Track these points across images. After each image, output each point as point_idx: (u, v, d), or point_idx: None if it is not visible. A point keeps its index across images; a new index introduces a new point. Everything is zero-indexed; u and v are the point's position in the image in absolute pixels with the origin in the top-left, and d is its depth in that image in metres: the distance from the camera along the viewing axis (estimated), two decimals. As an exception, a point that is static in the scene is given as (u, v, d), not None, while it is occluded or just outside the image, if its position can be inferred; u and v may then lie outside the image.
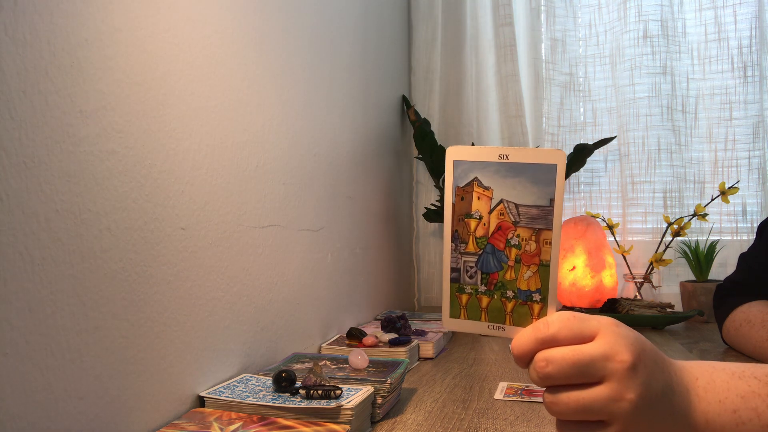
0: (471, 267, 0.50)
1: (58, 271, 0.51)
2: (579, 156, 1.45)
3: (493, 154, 0.47)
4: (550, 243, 0.47)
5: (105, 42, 0.56)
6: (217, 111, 0.75)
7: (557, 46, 1.64)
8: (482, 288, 0.49)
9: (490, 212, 0.48)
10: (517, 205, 0.47)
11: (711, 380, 0.48)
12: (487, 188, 0.48)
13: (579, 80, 1.64)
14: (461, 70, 1.64)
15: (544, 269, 0.47)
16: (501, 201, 0.48)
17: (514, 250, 0.48)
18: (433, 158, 1.50)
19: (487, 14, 1.65)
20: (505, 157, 0.47)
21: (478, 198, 0.48)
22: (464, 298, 0.50)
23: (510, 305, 0.49)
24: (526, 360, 0.46)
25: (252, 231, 0.82)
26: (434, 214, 1.52)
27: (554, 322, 0.45)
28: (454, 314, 0.51)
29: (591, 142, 1.48)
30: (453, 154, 0.49)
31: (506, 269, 0.48)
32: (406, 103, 1.60)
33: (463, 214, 0.49)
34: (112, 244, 0.57)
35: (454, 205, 0.49)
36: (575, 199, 1.65)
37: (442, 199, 1.53)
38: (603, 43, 1.62)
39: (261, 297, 0.84)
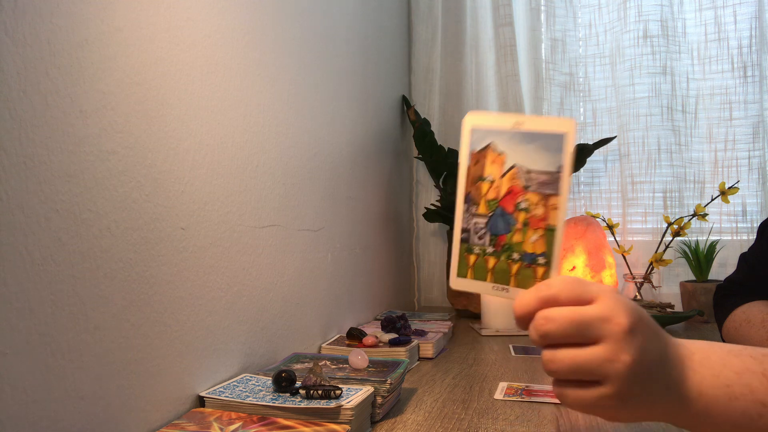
0: (481, 228, 0.51)
1: (58, 271, 0.51)
2: (579, 156, 1.46)
3: (508, 122, 0.49)
4: (557, 208, 0.48)
5: (105, 42, 0.56)
6: (217, 111, 0.75)
7: (557, 46, 1.64)
8: (490, 249, 0.51)
9: (502, 176, 0.50)
10: (528, 171, 0.49)
11: (707, 356, 0.49)
12: (500, 153, 0.50)
13: (579, 80, 1.64)
14: (461, 70, 1.64)
15: (550, 233, 0.48)
16: (513, 166, 0.49)
17: (522, 214, 0.49)
18: (433, 158, 1.50)
19: (487, 14, 1.65)
20: (520, 124, 0.49)
21: (492, 162, 0.50)
22: (472, 258, 0.51)
23: (515, 267, 0.50)
24: (526, 320, 0.47)
25: (252, 231, 0.82)
26: (434, 214, 1.52)
27: (556, 283, 0.46)
28: (461, 273, 0.52)
29: (591, 142, 1.48)
30: (471, 121, 0.51)
31: (514, 232, 0.50)
32: (406, 103, 1.60)
33: (476, 177, 0.51)
34: (112, 244, 0.57)
35: (468, 167, 0.51)
36: (575, 199, 1.65)
37: (442, 199, 1.53)
38: (603, 43, 1.62)
39: (261, 297, 0.84)
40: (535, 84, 1.63)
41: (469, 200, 0.51)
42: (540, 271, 0.49)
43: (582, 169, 1.59)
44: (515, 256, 0.49)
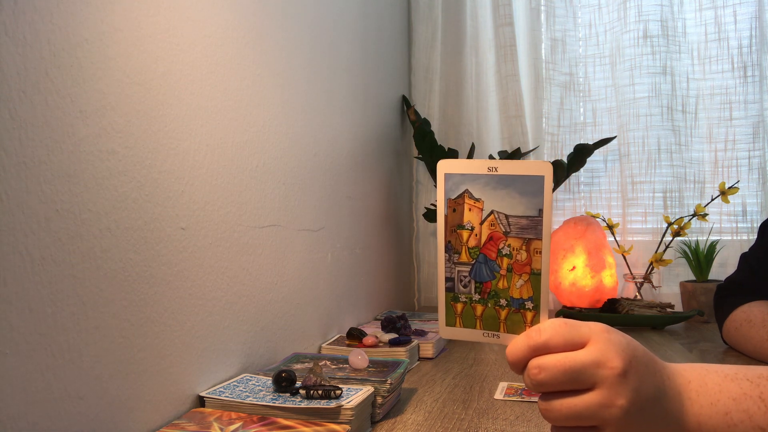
0: (465, 276, 0.51)
1: (58, 271, 0.51)
2: (579, 156, 1.45)
3: (482, 167, 0.49)
4: (541, 252, 0.48)
5: (105, 42, 0.56)
6: (217, 111, 0.75)
7: (557, 46, 1.63)
8: (476, 297, 0.51)
9: (482, 223, 0.50)
10: (507, 216, 0.49)
11: (703, 383, 0.48)
12: (477, 200, 0.50)
13: (579, 80, 1.64)
14: (461, 70, 1.64)
15: (535, 278, 0.48)
16: (491, 212, 0.49)
17: (505, 260, 0.49)
18: (433, 158, 1.49)
19: (487, 14, 1.65)
20: (494, 169, 0.49)
21: (470, 209, 0.50)
22: (459, 306, 0.51)
23: (503, 313, 0.50)
24: (520, 367, 0.47)
25: (252, 231, 0.82)
26: (434, 214, 1.52)
27: (546, 329, 0.46)
28: (449, 323, 0.52)
29: (591, 142, 1.48)
30: (444, 167, 0.50)
31: (499, 278, 0.50)
32: (406, 103, 1.60)
33: (455, 225, 0.51)
34: (112, 244, 0.57)
35: (446, 216, 0.51)
36: (575, 199, 1.65)
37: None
38: (603, 43, 1.62)
39: (261, 297, 0.84)
40: (535, 84, 1.63)
41: (450, 249, 0.51)
42: (529, 315, 0.49)
43: (582, 169, 1.58)
44: (502, 302, 0.50)
